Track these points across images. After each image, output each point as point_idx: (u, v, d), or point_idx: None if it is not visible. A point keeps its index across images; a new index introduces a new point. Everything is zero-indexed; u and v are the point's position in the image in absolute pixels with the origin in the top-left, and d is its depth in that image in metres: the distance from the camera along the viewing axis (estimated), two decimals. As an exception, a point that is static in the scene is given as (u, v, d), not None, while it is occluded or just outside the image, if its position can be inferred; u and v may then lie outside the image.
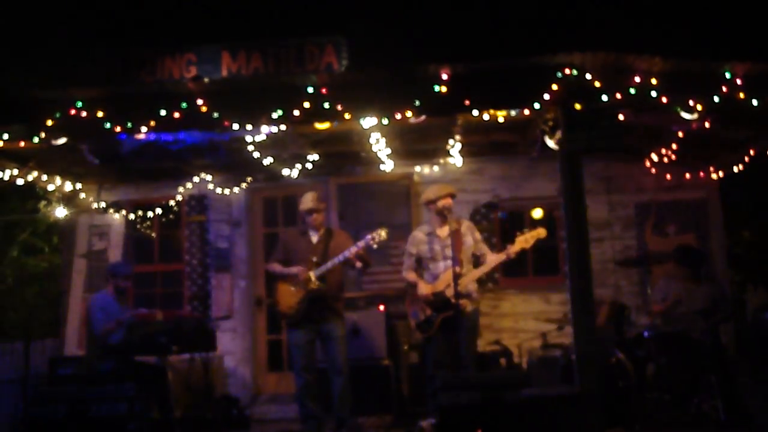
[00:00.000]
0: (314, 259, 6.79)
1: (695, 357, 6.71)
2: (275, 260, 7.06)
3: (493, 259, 6.69)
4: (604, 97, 5.96)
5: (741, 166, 8.13)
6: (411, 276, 6.81)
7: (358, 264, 6.82)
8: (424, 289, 6.62)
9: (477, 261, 6.79)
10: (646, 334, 6.95)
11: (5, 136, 6.57)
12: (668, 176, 8.69)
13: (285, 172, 8.73)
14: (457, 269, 6.31)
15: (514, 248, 6.59)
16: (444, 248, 6.64)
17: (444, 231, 6.65)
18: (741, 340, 8.01)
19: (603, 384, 5.84)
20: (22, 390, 7.32)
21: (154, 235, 9.48)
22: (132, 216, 9.39)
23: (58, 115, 6.37)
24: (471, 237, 6.78)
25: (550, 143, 6.59)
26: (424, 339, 6.73)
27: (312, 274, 6.72)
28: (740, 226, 11.24)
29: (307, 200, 6.96)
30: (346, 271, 7.25)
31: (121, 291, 7.40)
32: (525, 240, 6.60)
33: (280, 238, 7.30)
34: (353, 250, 6.66)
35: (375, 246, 6.75)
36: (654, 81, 6.00)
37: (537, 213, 8.92)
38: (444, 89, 6.06)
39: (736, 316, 7.68)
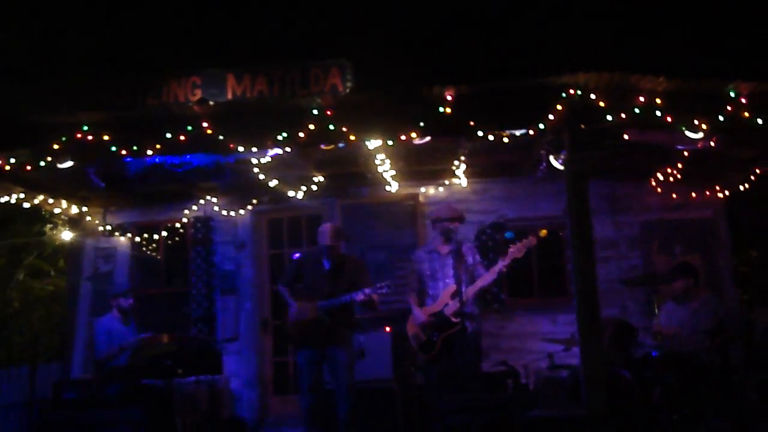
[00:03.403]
0: (326, 289, 6.73)
1: (704, 377, 6.67)
2: (284, 282, 7.03)
3: (487, 275, 6.66)
4: (609, 117, 5.96)
5: (747, 185, 8.11)
6: (411, 299, 6.81)
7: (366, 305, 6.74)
8: (421, 314, 6.59)
9: (474, 282, 6.76)
10: (654, 354, 6.91)
11: (12, 160, 6.60)
12: (674, 195, 8.67)
13: (290, 193, 8.75)
14: (455, 287, 6.30)
15: (506, 260, 6.58)
16: (444, 267, 6.64)
17: (444, 249, 6.67)
18: (749, 360, 7.95)
19: (611, 405, 5.80)
20: (28, 414, 7.31)
21: (159, 257, 9.49)
22: (138, 239, 9.41)
23: (64, 139, 6.40)
24: (471, 257, 6.77)
25: (555, 163, 6.60)
26: (427, 360, 6.70)
27: (319, 305, 6.66)
28: (747, 245, 11.19)
29: (325, 236, 6.79)
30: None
31: (126, 311, 7.35)
32: (517, 250, 6.59)
33: (294, 259, 7.26)
34: (360, 297, 6.55)
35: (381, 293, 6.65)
36: (658, 101, 6.00)
37: (542, 233, 8.90)
38: (449, 110, 6.06)
39: (743, 336, 7.64)
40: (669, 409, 6.55)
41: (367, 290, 6.55)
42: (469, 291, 6.57)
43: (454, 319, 6.24)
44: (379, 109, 6.30)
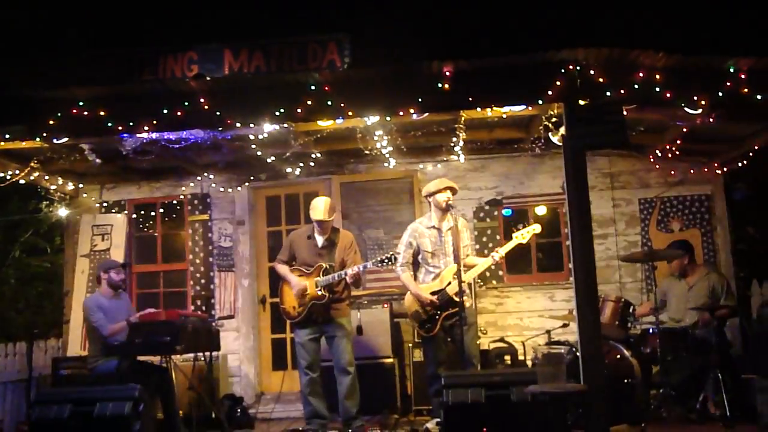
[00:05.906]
0: (325, 265, 6.76)
1: (700, 353, 6.70)
2: (281, 261, 7.05)
3: (485, 261, 6.70)
4: (608, 93, 5.93)
5: (746, 162, 8.10)
6: (405, 276, 6.77)
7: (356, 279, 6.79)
8: (424, 292, 6.57)
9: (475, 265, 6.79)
10: (651, 330, 6.94)
11: (7, 136, 6.54)
12: (672, 172, 8.67)
13: (288, 170, 8.71)
14: (457, 266, 6.30)
15: (508, 246, 6.67)
16: (444, 243, 6.65)
17: (444, 225, 6.67)
18: (746, 337, 7.98)
19: (608, 381, 5.81)
20: (26, 390, 7.32)
21: (156, 234, 9.47)
22: (134, 215, 9.39)
23: (59, 114, 6.33)
24: (466, 234, 6.80)
25: (554, 139, 6.58)
26: (426, 337, 6.71)
27: (317, 281, 6.70)
28: (745, 222, 11.16)
29: (319, 211, 6.82)
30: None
31: (117, 286, 7.22)
32: (521, 236, 6.66)
33: (286, 239, 7.29)
34: (359, 269, 6.64)
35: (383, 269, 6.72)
36: (658, 76, 5.95)
37: (540, 210, 8.90)
38: (447, 86, 6.01)
39: (740, 311, 7.66)
40: (666, 385, 6.58)
41: (360, 267, 6.60)
42: (469, 274, 6.60)
43: (456, 298, 6.24)
44: (377, 85, 6.24)
